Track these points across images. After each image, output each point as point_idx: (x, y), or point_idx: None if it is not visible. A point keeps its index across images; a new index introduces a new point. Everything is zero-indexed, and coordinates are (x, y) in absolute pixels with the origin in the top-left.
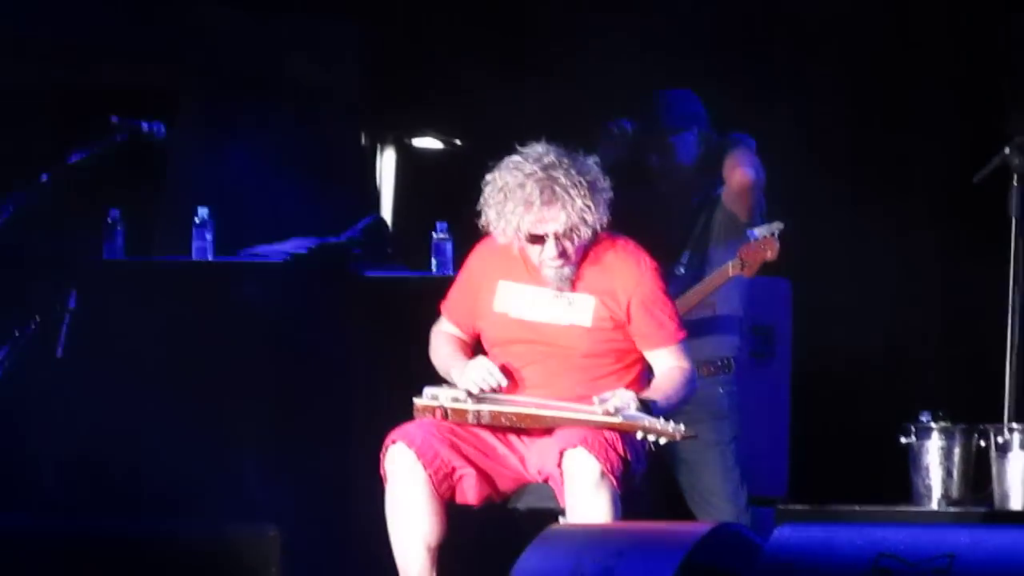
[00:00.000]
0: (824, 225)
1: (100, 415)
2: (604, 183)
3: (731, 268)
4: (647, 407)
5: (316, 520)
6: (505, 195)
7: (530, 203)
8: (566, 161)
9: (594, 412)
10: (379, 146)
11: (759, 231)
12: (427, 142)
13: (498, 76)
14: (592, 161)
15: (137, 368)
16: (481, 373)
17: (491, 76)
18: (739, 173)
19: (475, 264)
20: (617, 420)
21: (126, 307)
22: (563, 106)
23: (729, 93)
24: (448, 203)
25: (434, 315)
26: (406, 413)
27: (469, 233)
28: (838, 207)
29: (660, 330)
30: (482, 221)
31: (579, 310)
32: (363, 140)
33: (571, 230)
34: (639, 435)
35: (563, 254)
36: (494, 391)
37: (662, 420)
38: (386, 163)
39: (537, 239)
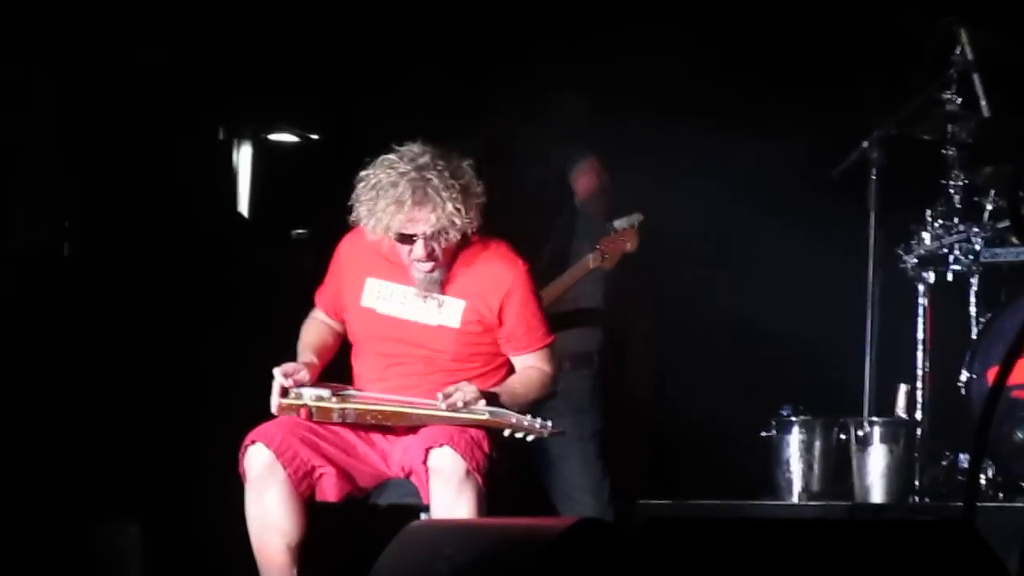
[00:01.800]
0: (687, 217)
1: None
2: (478, 187)
3: (591, 260)
4: (491, 402)
5: (179, 517)
6: (377, 193)
7: (401, 203)
8: (441, 163)
9: (459, 411)
10: (236, 140)
11: (619, 223)
12: (283, 136)
13: (363, 70)
14: (467, 164)
15: None
16: (277, 381)
17: (355, 70)
18: (585, 179)
19: (344, 256)
20: (484, 418)
21: None
22: (423, 98)
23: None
24: (307, 199)
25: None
26: (268, 411)
27: (328, 229)
28: (701, 199)
29: (528, 334)
30: (352, 216)
31: (448, 312)
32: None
33: (440, 232)
34: (506, 432)
35: (431, 255)
36: (337, 391)
37: (529, 417)
38: (243, 158)
39: (407, 239)
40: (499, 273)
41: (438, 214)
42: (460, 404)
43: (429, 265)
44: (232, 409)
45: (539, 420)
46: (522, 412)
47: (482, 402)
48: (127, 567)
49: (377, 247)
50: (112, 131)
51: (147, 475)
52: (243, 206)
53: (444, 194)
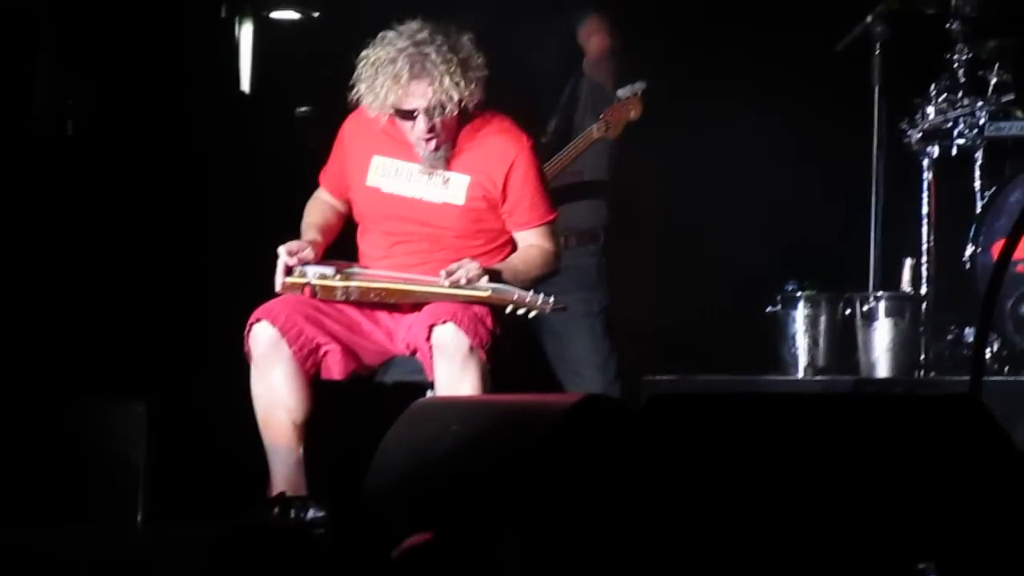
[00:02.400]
0: (689, 92)
1: None
2: (478, 61)
3: (595, 131)
4: (493, 279)
5: (184, 396)
6: (376, 70)
7: (399, 77)
8: (439, 38)
9: (462, 287)
10: (237, 18)
11: (622, 92)
12: (285, 14)
13: None
14: (467, 39)
15: None
16: (281, 260)
17: None
18: (596, 39)
19: (348, 135)
20: (486, 294)
21: None
22: None
23: None
24: (310, 78)
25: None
26: (272, 290)
27: (332, 107)
28: (701, 75)
29: (531, 209)
30: (353, 94)
31: (453, 188)
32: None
33: (438, 106)
34: (508, 308)
35: (431, 130)
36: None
37: (531, 293)
38: (244, 36)
39: (406, 115)
40: (503, 147)
41: (435, 87)
42: (463, 281)
43: (431, 140)
44: (236, 289)
45: (541, 295)
46: (525, 288)
47: (484, 278)
48: (134, 446)
49: (382, 125)
50: (113, 9)
51: (152, 356)
52: (245, 85)
53: (442, 67)
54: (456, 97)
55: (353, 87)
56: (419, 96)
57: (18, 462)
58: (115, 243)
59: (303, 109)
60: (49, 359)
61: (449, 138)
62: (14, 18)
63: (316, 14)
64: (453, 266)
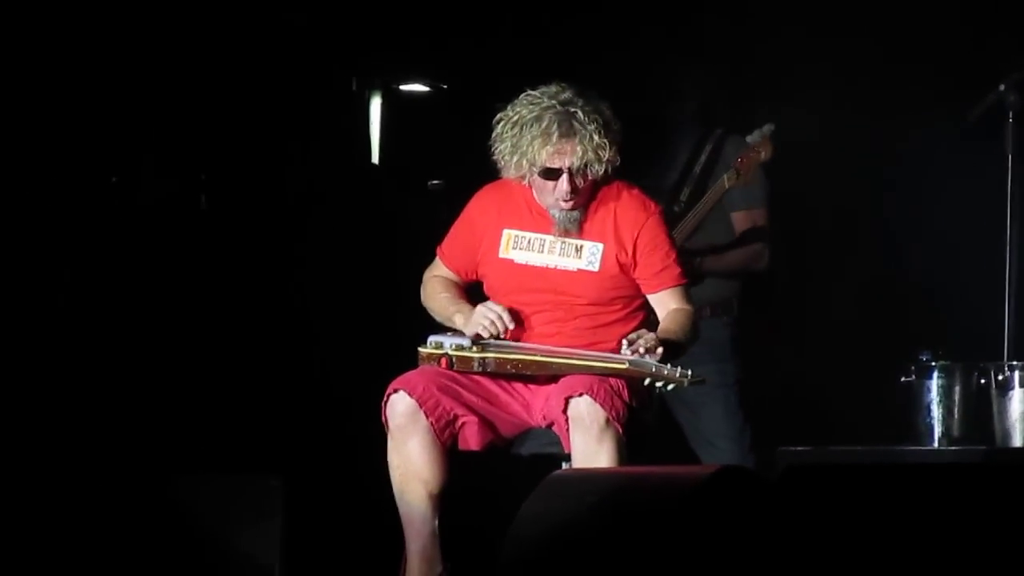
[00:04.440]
0: (825, 160)
1: None
2: (616, 124)
3: (727, 180)
4: (670, 346)
5: (320, 470)
6: (522, 128)
7: (548, 135)
8: (581, 99)
9: (600, 358)
10: (367, 91)
11: (751, 137)
12: (414, 87)
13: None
14: (605, 104)
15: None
16: (490, 316)
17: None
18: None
19: (477, 209)
20: (623, 367)
21: None
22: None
23: None
24: (439, 150)
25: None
26: (410, 362)
27: (460, 178)
28: (837, 142)
29: (665, 271)
30: (495, 155)
31: (587, 255)
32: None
33: (587, 166)
34: (646, 382)
35: (575, 191)
36: (500, 337)
37: (668, 366)
38: (373, 108)
39: (552, 173)
40: (634, 213)
41: (584, 146)
42: (642, 350)
43: (571, 202)
44: (370, 362)
45: (679, 369)
46: (676, 356)
47: (660, 349)
48: (272, 520)
49: (510, 197)
50: (246, 83)
51: (287, 431)
52: (376, 158)
53: (590, 127)
54: (603, 156)
55: (491, 148)
56: (568, 154)
57: (159, 538)
58: (250, 315)
59: (435, 182)
60: (187, 436)
61: (584, 202)
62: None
63: (445, 86)
64: (633, 336)
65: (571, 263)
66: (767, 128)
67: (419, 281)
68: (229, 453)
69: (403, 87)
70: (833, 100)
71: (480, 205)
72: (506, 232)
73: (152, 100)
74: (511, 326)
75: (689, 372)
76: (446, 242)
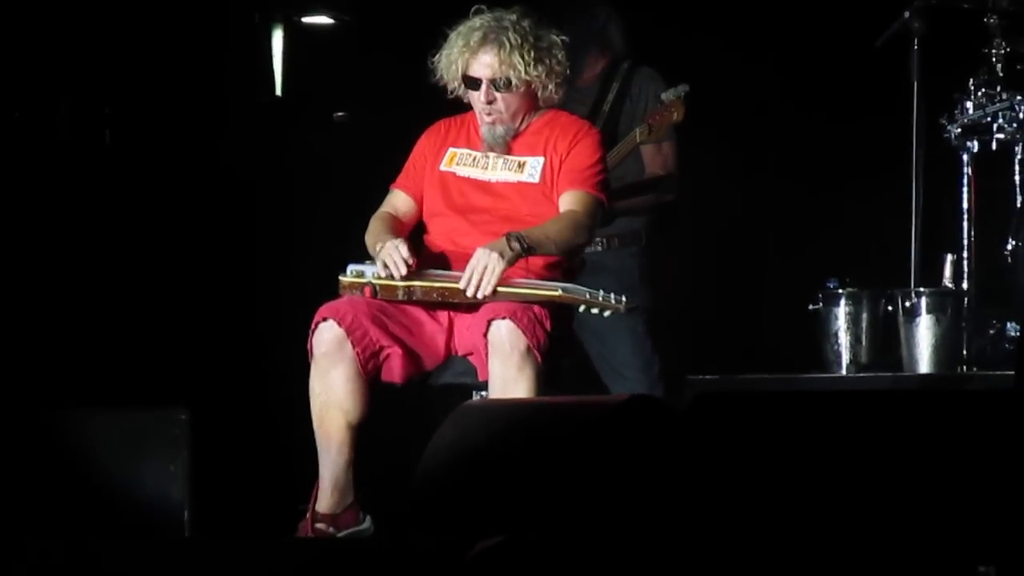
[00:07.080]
0: (727, 91)
1: None
2: (558, 57)
3: (639, 134)
4: (520, 243)
5: (228, 401)
6: (456, 40)
7: (471, 44)
8: (526, 21)
9: (531, 284)
10: (270, 24)
11: (665, 95)
12: (316, 19)
13: None
14: (556, 36)
15: None
16: (391, 253)
17: None
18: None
19: (427, 134)
20: (556, 294)
21: None
22: None
23: None
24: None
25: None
26: (327, 293)
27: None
28: (734, 70)
29: (580, 172)
30: (432, 61)
31: (528, 170)
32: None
33: (501, 78)
34: (581, 308)
35: (491, 102)
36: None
37: (602, 292)
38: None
39: (473, 84)
40: (575, 128)
41: (503, 57)
42: (482, 292)
43: (492, 117)
44: (279, 292)
45: (613, 295)
46: (558, 252)
47: (501, 266)
48: (178, 453)
49: (461, 124)
50: (149, 18)
51: (194, 363)
52: (279, 91)
53: (514, 41)
54: (520, 72)
55: (435, 59)
56: (485, 65)
57: (60, 473)
58: (156, 250)
59: (340, 114)
60: (90, 368)
61: (511, 121)
62: (46, 32)
63: (347, 18)
64: (464, 280)
65: (511, 176)
66: (682, 88)
67: (328, 213)
68: (133, 386)
69: (305, 19)
70: (737, 34)
71: (431, 130)
72: (451, 150)
73: (55, 36)
74: (410, 260)
75: (624, 298)
76: (402, 172)
